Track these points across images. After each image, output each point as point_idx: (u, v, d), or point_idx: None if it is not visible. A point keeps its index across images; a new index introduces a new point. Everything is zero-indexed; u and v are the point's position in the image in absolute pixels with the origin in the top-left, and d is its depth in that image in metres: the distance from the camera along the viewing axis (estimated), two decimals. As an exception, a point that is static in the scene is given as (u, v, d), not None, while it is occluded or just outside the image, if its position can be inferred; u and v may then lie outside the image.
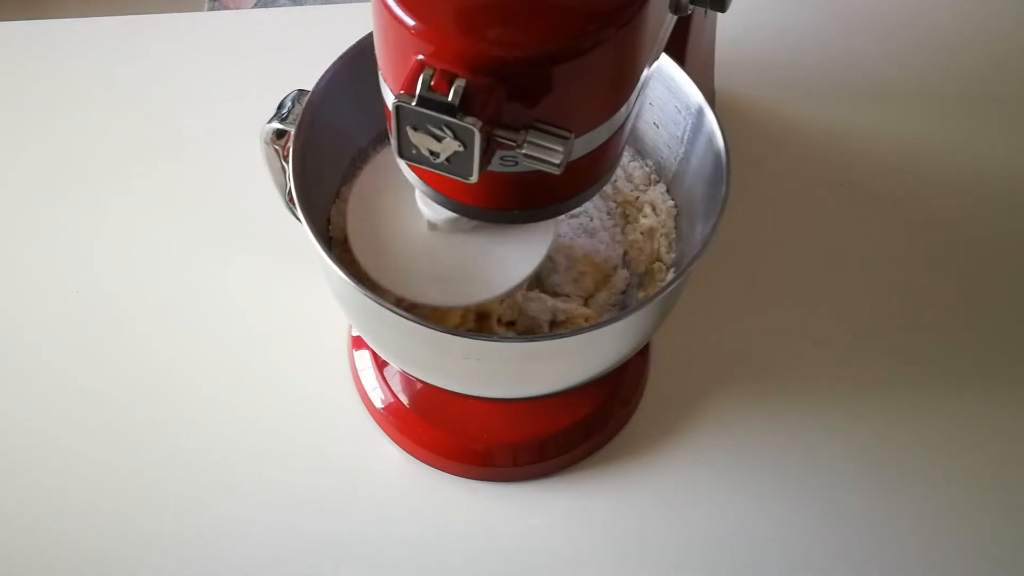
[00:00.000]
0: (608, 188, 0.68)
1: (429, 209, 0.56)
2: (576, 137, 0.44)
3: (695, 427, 0.70)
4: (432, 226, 0.58)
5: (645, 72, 0.48)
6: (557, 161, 0.43)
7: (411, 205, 0.57)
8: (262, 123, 0.61)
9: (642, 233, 0.66)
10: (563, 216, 0.64)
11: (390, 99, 0.46)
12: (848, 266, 0.77)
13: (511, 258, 0.58)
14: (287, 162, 0.59)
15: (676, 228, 0.66)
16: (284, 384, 0.72)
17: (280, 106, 0.60)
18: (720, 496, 0.68)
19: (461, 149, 0.42)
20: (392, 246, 0.59)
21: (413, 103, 0.41)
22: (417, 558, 0.66)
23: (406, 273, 0.58)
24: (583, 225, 0.67)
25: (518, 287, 0.58)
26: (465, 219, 0.56)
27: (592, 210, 0.68)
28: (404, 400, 0.69)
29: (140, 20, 0.90)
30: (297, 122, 0.58)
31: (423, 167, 0.44)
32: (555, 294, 0.65)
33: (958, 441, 0.70)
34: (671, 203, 0.66)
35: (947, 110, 0.85)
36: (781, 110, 0.84)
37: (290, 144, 0.58)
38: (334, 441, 0.70)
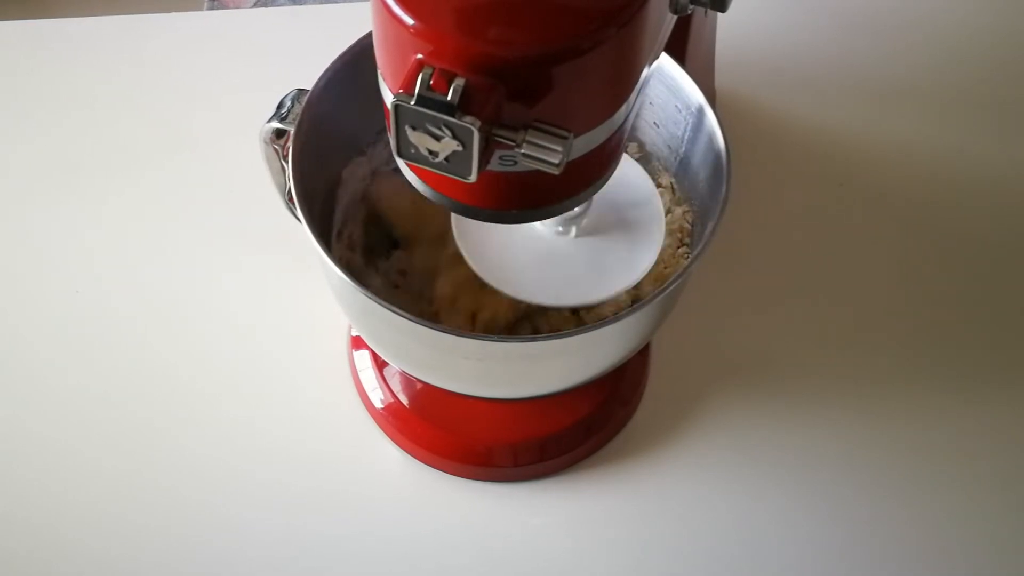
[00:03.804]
0: None
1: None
2: (575, 137, 0.44)
3: (695, 427, 0.70)
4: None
5: (645, 72, 0.47)
6: (556, 161, 0.43)
7: None
8: (262, 123, 0.61)
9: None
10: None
11: (389, 98, 0.45)
12: (848, 266, 0.77)
13: (623, 260, 0.59)
14: (287, 162, 0.59)
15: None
16: (283, 384, 0.72)
17: (280, 106, 0.60)
18: (720, 496, 0.68)
19: (460, 149, 0.42)
20: (504, 247, 0.59)
21: (412, 102, 0.41)
22: (417, 558, 0.66)
23: (518, 274, 0.59)
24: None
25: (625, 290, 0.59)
26: (574, 219, 0.58)
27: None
28: (404, 400, 0.69)
29: (140, 20, 0.90)
30: (297, 122, 0.58)
31: (422, 166, 0.44)
32: None
33: (960, 440, 0.70)
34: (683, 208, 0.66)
35: (947, 110, 0.85)
36: (781, 110, 0.84)
37: (290, 144, 0.58)
38: (334, 441, 0.70)
